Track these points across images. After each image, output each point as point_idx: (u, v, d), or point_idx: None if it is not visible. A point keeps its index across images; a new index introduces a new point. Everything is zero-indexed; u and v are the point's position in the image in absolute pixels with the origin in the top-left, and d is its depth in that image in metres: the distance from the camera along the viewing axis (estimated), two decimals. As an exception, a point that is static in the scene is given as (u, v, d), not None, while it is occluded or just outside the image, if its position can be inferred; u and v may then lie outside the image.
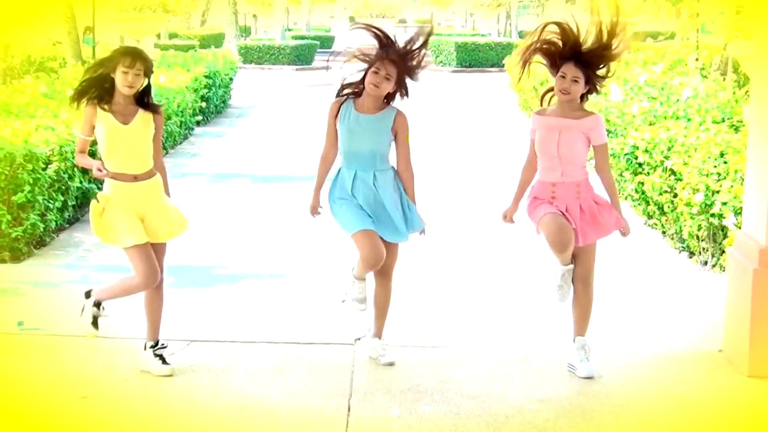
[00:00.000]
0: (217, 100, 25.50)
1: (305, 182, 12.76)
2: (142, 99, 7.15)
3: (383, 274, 7.51)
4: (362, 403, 6.97)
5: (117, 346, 7.93)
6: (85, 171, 12.69)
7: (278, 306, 9.34)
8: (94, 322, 7.33)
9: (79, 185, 12.47)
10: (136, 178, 7.08)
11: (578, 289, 7.41)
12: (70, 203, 12.34)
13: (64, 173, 11.97)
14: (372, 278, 7.60)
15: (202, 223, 11.75)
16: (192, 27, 55.75)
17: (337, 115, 7.42)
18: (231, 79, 28.16)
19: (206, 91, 23.61)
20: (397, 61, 7.34)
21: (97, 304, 7.34)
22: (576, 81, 7.12)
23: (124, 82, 6.98)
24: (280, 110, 27.15)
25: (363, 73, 7.37)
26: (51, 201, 11.65)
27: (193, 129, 21.71)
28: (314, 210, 7.59)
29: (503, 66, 33.71)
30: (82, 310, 7.38)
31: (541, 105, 7.46)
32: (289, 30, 55.11)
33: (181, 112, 20.24)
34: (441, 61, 45.57)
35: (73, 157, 12.15)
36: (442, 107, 27.40)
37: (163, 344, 7.43)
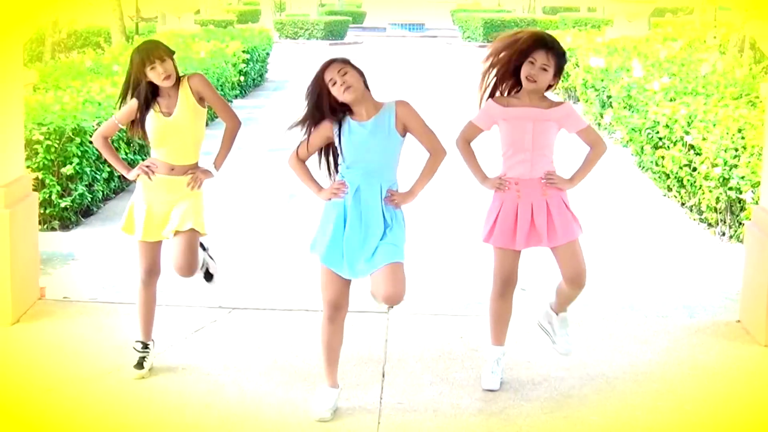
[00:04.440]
0: (254, 75, 25.49)
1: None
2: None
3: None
4: (396, 370, 6.97)
5: (171, 313, 7.93)
6: (129, 143, 12.74)
7: (316, 275, 9.32)
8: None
9: (124, 157, 12.48)
10: (172, 170, 6.63)
11: (569, 289, 6.60)
12: (115, 174, 12.38)
13: (110, 146, 12.01)
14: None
15: (240, 192, 11.76)
16: (230, 3, 55.71)
17: (332, 135, 6.10)
18: (267, 54, 28.14)
19: (244, 65, 23.60)
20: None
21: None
22: (545, 69, 6.26)
23: (159, 77, 6.47)
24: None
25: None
26: (98, 172, 11.73)
27: (231, 102, 21.69)
28: (333, 188, 6.16)
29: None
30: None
31: (500, 93, 6.51)
32: (322, 5, 54.97)
33: (221, 86, 20.26)
34: (468, 37, 45.45)
35: (119, 130, 12.22)
36: (471, 80, 27.29)
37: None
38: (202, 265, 6.99)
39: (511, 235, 6.49)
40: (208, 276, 7.05)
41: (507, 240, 6.51)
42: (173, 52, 6.66)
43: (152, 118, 6.60)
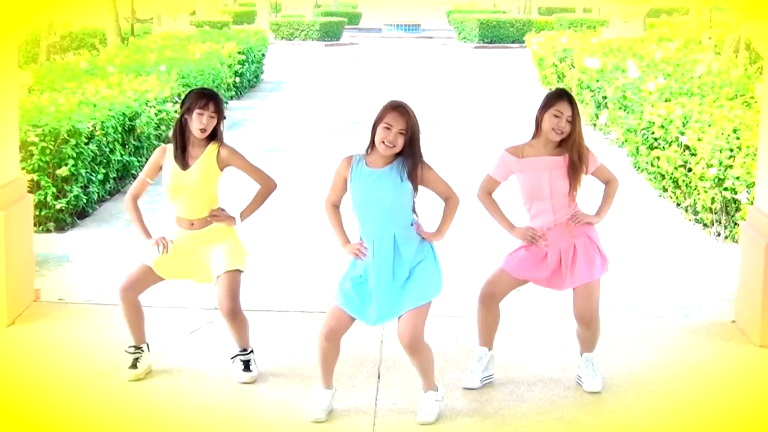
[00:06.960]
0: (250, 76, 25.47)
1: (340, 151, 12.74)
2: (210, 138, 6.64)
3: (411, 349, 6.21)
4: (391, 371, 6.99)
5: (167, 315, 7.93)
6: (124, 144, 12.76)
7: (312, 276, 9.34)
8: None
9: (119, 158, 12.52)
10: (192, 225, 6.64)
11: (580, 329, 6.67)
12: (111, 176, 12.40)
13: (105, 147, 12.01)
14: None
15: (234, 195, 11.72)
16: (226, 4, 55.68)
17: (348, 174, 6.17)
18: (263, 55, 28.12)
19: (240, 66, 23.58)
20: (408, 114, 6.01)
21: None
22: (569, 121, 6.35)
23: (199, 123, 6.44)
24: (310, 84, 27.08)
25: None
26: (93, 174, 11.71)
27: (226, 103, 21.65)
28: (354, 249, 6.21)
29: (524, 42, 33.71)
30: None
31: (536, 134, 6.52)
32: (318, 6, 54.95)
33: (216, 87, 20.24)
34: (464, 38, 45.43)
35: (114, 132, 12.28)
36: (467, 81, 27.30)
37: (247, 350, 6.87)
38: (248, 360, 6.85)
39: (532, 270, 6.62)
40: (246, 367, 6.83)
41: (525, 272, 6.65)
42: (224, 117, 6.68)
43: (170, 167, 6.59)
